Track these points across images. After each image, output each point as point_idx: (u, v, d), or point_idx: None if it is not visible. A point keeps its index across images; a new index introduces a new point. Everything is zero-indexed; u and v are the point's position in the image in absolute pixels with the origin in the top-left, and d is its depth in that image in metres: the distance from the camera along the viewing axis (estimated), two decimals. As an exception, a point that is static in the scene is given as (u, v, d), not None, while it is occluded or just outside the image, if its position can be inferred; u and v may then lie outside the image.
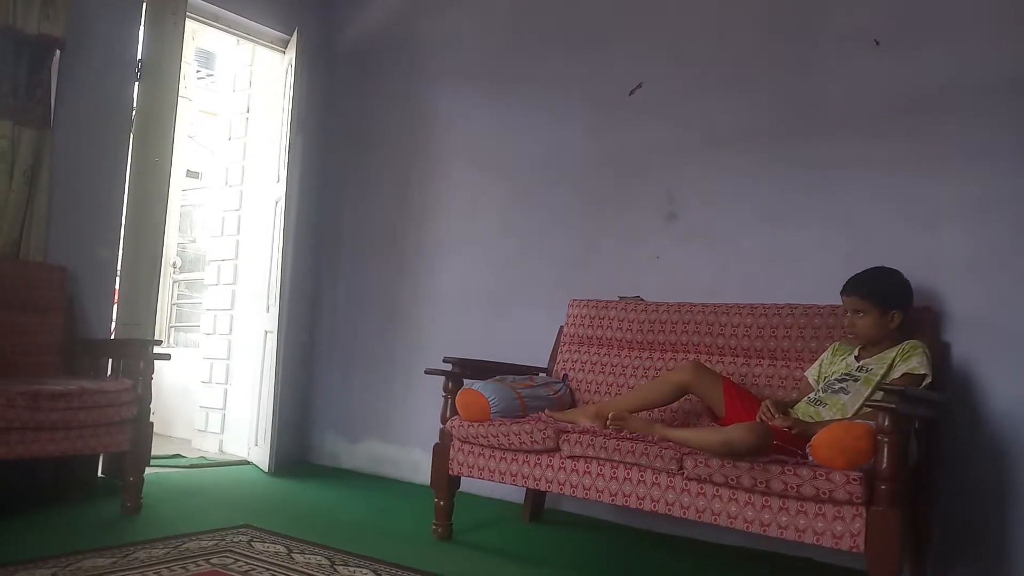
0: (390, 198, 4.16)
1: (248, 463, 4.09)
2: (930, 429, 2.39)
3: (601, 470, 2.39)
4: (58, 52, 3.26)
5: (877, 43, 2.83)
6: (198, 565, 2.28)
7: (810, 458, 2.10)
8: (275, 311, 3.90)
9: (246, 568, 2.28)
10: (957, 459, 2.53)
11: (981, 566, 2.49)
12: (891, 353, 2.37)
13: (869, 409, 2.19)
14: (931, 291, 2.63)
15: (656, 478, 2.28)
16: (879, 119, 2.81)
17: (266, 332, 4.02)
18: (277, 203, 4.03)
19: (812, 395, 2.46)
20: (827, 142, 2.91)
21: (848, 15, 2.91)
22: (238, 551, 2.46)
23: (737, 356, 2.86)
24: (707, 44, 3.23)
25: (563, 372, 3.19)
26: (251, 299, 4.35)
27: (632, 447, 2.33)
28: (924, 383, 2.29)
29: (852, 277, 2.47)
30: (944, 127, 2.68)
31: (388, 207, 4.16)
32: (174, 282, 6.17)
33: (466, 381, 2.84)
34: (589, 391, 3.09)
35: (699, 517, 2.19)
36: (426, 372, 2.90)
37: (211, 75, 8.18)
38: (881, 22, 2.83)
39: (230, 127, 4.70)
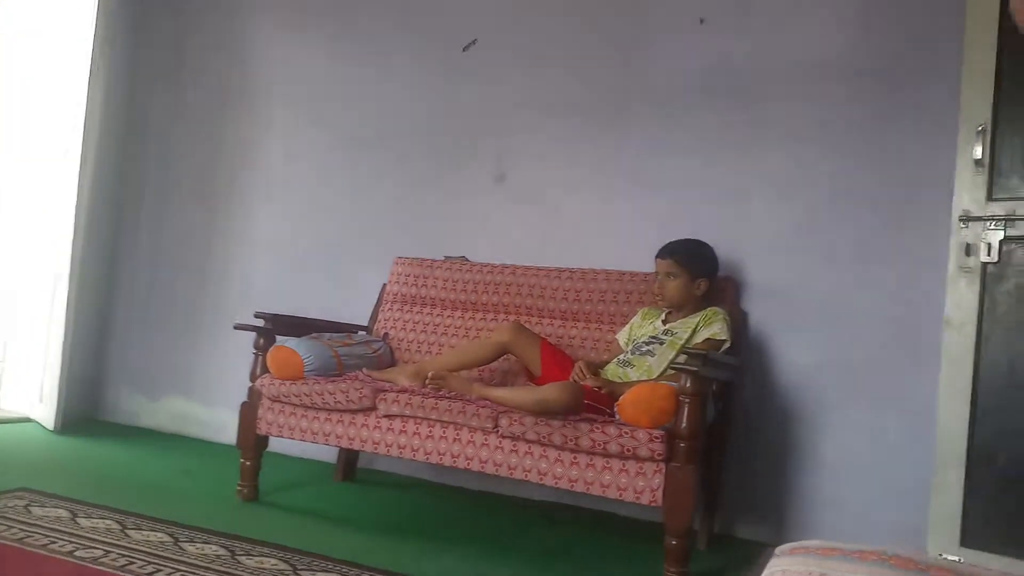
0: (202, 140, 3.90)
1: (30, 420, 3.73)
2: (726, 391, 2.56)
3: (418, 429, 2.38)
4: None
5: (702, 21, 2.95)
6: (-38, 533, 2.05)
7: (617, 417, 2.18)
8: (67, 253, 3.55)
9: (21, 535, 2.08)
10: (748, 420, 2.73)
11: (765, 520, 2.71)
12: (695, 319, 2.51)
13: (673, 371, 2.31)
14: (735, 263, 2.80)
15: (472, 436, 2.30)
16: (698, 96, 2.94)
17: (56, 276, 3.66)
18: (71, 134, 3.65)
19: (621, 357, 2.56)
20: (650, 116, 3.02)
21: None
22: (12, 517, 2.23)
23: (555, 318, 2.93)
24: (543, 12, 3.25)
25: (384, 331, 3.14)
26: (36, 240, 3.94)
27: (450, 406, 2.33)
28: (723, 348, 2.44)
29: (668, 243, 2.60)
30: (756, 109, 2.85)
31: (200, 150, 3.90)
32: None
33: (279, 338, 2.74)
34: (410, 351, 3.07)
35: (511, 474, 2.24)
36: (235, 327, 2.76)
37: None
38: (705, 2, 2.95)
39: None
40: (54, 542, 2.05)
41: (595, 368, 2.52)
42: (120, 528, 2.22)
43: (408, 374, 2.62)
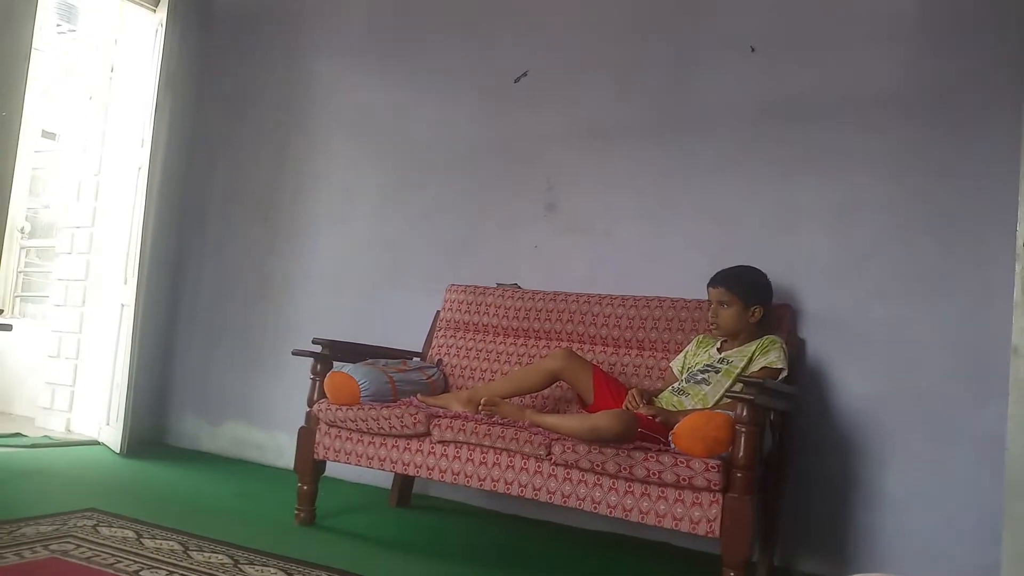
0: (265, 170, 4.00)
1: (99, 444, 3.85)
2: (784, 421, 2.51)
3: (471, 455, 2.39)
4: None
5: (753, 49, 2.94)
6: (35, 552, 2.12)
7: (672, 446, 2.16)
8: (133, 283, 3.68)
9: (89, 555, 2.14)
10: (807, 451, 2.67)
11: (826, 554, 2.64)
12: (751, 347, 2.48)
13: (728, 400, 2.28)
14: (790, 290, 2.76)
15: (525, 463, 2.30)
16: (751, 122, 2.93)
17: (122, 305, 3.79)
18: (140, 169, 3.79)
19: (676, 385, 2.54)
20: (702, 142, 3.01)
21: (727, 20, 3.01)
22: (81, 536, 2.30)
23: (607, 345, 2.92)
24: (592, 38, 3.27)
25: (437, 357, 3.17)
26: (108, 270, 4.08)
27: (502, 432, 2.34)
28: (780, 377, 2.40)
29: (720, 271, 2.58)
30: (810, 134, 2.82)
31: (262, 179, 4.00)
32: (22, 249, 5.71)
33: (336, 364, 2.78)
34: (463, 377, 3.08)
35: (565, 502, 2.22)
36: (293, 353, 2.81)
37: (73, 30, 7.63)
38: (758, 30, 2.95)
39: (91, 87, 4.38)
40: (120, 561, 2.10)
41: (649, 396, 2.50)
42: (183, 549, 2.26)
43: (461, 400, 2.64)
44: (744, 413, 2.05)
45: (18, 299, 5.71)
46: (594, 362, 2.77)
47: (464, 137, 3.50)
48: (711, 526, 2.03)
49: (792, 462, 2.63)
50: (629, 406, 2.42)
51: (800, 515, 2.66)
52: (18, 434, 3.90)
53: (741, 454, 2.04)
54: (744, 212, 2.91)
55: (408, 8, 3.71)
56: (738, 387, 2.19)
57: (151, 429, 4.03)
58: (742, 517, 2.01)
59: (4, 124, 3.36)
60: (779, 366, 2.40)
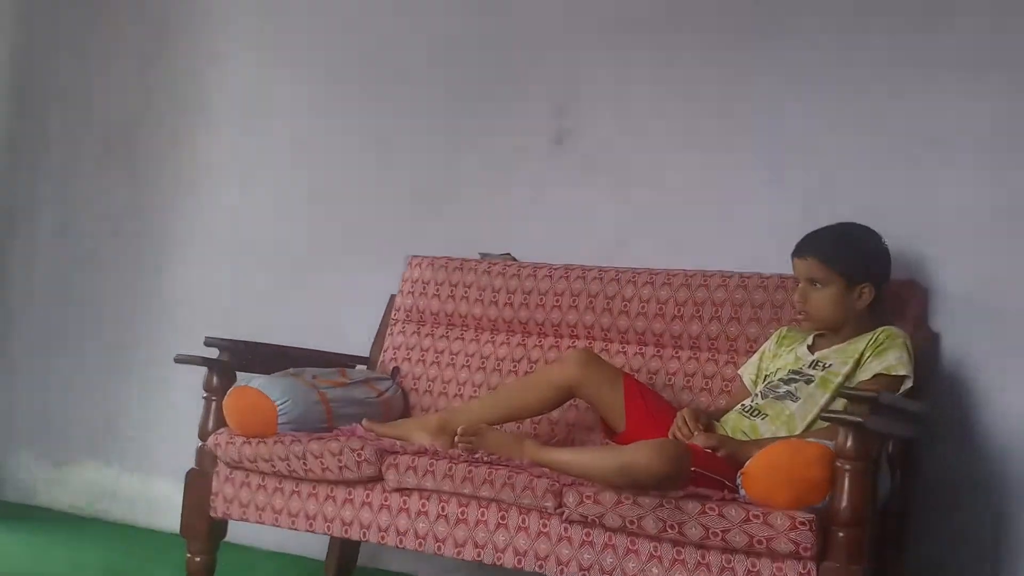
0: (129, 90, 4.00)
1: None
2: (908, 453, 2.50)
3: (443, 509, 2.38)
4: None
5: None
6: None
7: (742, 492, 2.15)
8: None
9: None
10: (943, 496, 2.66)
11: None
12: (858, 344, 2.46)
13: (826, 423, 2.28)
14: (919, 259, 2.75)
15: (524, 520, 2.29)
16: (858, 11, 2.92)
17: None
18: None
19: (747, 402, 2.53)
20: (787, 38, 3.00)
21: None
22: None
23: (645, 344, 2.92)
24: None
25: (392, 365, 3.17)
26: None
27: (490, 475, 2.32)
28: (903, 389, 2.38)
29: (809, 234, 2.54)
30: (946, 29, 2.80)
31: (126, 105, 4.00)
32: None
33: (241, 375, 2.78)
34: (431, 393, 3.08)
35: (584, 576, 2.23)
36: (177, 360, 2.81)
37: None
38: None
39: None
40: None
41: (707, 419, 2.50)
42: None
43: (429, 428, 2.63)
44: (850, 443, 2.03)
45: None
46: (625, 369, 2.75)
47: (434, 34, 3.50)
48: (800, 611, 2.03)
49: (920, 514, 2.63)
50: (678, 434, 2.41)
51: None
52: None
53: (845, 504, 2.02)
54: (849, 144, 2.90)
55: None
56: (840, 404, 2.18)
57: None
58: (846, 597, 2.02)
59: None
60: (901, 372, 2.39)
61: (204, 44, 3.88)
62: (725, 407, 2.61)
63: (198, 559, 2.72)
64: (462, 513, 2.37)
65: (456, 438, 2.53)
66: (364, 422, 2.76)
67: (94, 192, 4.01)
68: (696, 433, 2.40)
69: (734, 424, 2.49)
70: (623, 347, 2.94)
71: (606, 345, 2.95)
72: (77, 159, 4.05)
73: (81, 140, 4.05)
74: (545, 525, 2.27)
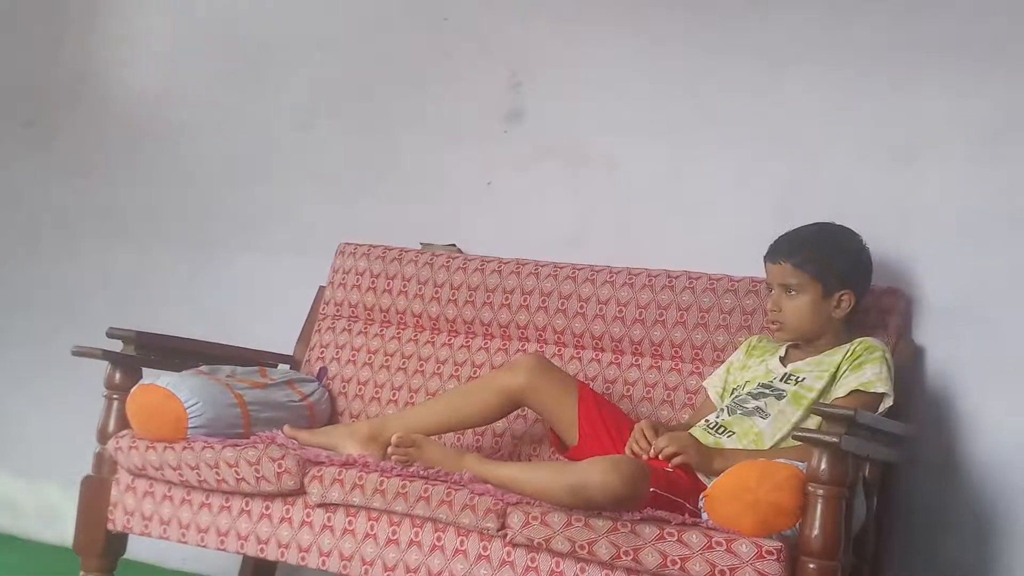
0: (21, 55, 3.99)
1: None
2: (887, 477, 2.48)
3: (372, 528, 2.35)
4: None
5: None
6: None
7: (704, 516, 2.13)
8: None
9: None
10: (924, 525, 2.64)
11: None
12: (835, 356, 2.45)
13: (797, 442, 2.23)
14: (903, 264, 2.73)
15: (462, 542, 2.25)
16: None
17: None
18: None
19: (712, 417, 2.51)
20: (764, 17, 2.99)
21: None
22: None
23: (602, 350, 2.90)
24: None
25: (320, 365, 3.15)
26: None
27: (426, 491, 2.29)
28: (882, 407, 2.37)
29: (784, 235, 2.53)
30: (939, 11, 2.78)
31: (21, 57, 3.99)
32: None
33: (148, 372, 2.74)
34: (362, 398, 3.07)
35: (527, 609, 2.20)
36: (74, 353, 2.76)
37: None
38: None
39: None
40: None
41: (667, 434, 2.45)
42: None
43: (359, 437, 2.61)
44: (823, 465, 2.00)
45: None
46: (579, 376, 2.74)
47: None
48: (766, 649, 2.00)
49: (898, 544, 2.60)
50: (635, 448, 2.38)
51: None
52: None
53: (817, 532, 1.99)
54: (830, 133, 2.90)
55: None
56: (814, 422, 2.16)
57: None
58: (817, 637, 1.99)
59: None
60: (880, 390, 2.37)
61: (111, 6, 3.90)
62: (688, 422, 2.60)
63: (93, 578, 2.69)
64: (393, 533, 2.33)
65: (389, 449, 2.50)
66: (285, 428, 2.73)
67: None
68: (659, 435, 2.36)
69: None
70: (578, 352, 2.93)
71: (559, 350, 2.94)
72: None
73: None
74: (486, 548, 2.24)
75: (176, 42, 3.78)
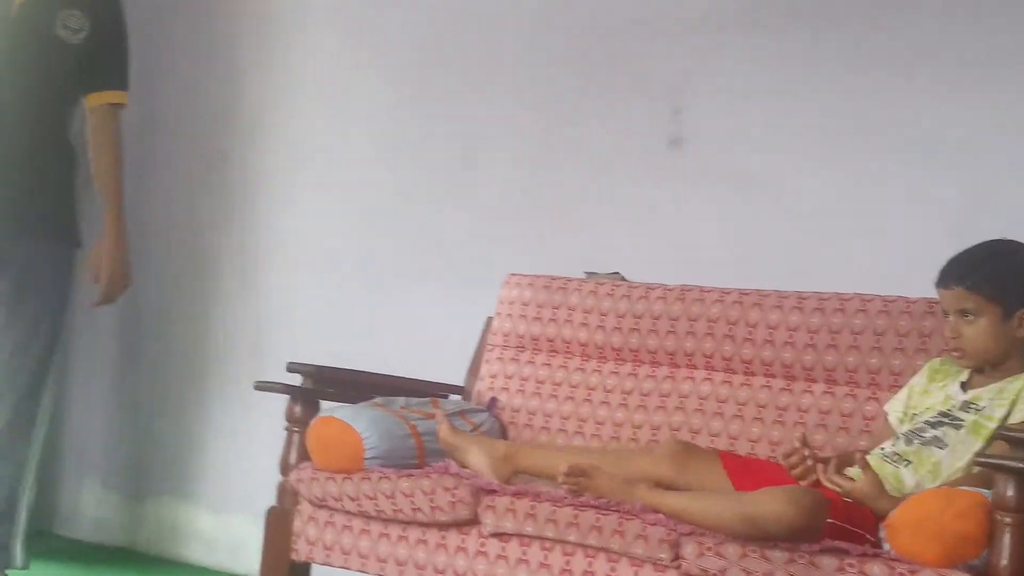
0: (204, 89, 4.11)
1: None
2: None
3: (547, 558, 2.37)
4: None
5: None
6: None
7: (886, 546, 2.10)
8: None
9: None
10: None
11: None
12: (1016, 383, 2.37)
13: (979, 470, 2.19)
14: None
15: (636, 573, 2.26)
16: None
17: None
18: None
19: (888, 446, 2.46)
20: (928, 29, 2.95)
21: None
22: None
23: (773, 376, 2.87)
24: None
25: (490, 395, 3.17)
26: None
27: (598, 521, 2.31)
28: (1072, 433, 2.30)
29: (953, 259, 2.44)
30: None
31: (208, 100, 4.12)
32: None
33: (326, 405, 2.83)
34: (532, 427, 3.08)
35: (705, 641, 2.19)
36: (257, 388, 2.87)
37: None
38: None
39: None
40: None
41: (845, 463, 2.42)
42: None
43: (494, 454, 2.65)
44: (1010, 492, 1.96)
45: None
46: (748, 405, 2.80)
47: (528, 26, 3.53)
48: None
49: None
50: (822, 479, 2.32)
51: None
52: None
53: (1006, 562, 1.95)
54: (1007, 150, 2.82)
55: None
56: (998, 448, 2.10)
57: (31, 512, 4.08)
58: (1008, 670, 1.95)
59: None
60: None
61: (286, 41, 3.99)
62: (866, 447, 2.53)
63: (279, 608, 2.76)
64: (567, 563, 2.35)
65: (560, 478, 2.47)
66: (437, 414, 2.81)
67: (169, 198, 4.12)
68: (831, 477, 2.31)
69: (876, 469, 2.42)
70: (747, 379, 2.89)
71: (727, 376, 2.91)
72: (154, 156, 4.16)
73: (159, 136, 4.16)
74: None
75: (351, 57, 3.85)
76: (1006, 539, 1.96)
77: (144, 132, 4.11)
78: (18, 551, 3.05)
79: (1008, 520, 1.96)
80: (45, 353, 2.91)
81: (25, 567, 3.07)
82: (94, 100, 3.00)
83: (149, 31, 4.11)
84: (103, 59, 2.99)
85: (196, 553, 3.90)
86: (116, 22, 3.03)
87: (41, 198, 2.92)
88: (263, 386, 2.85)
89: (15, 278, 2.86)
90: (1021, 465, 1.95)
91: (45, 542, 3.93)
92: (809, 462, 2.33)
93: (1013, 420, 2.30)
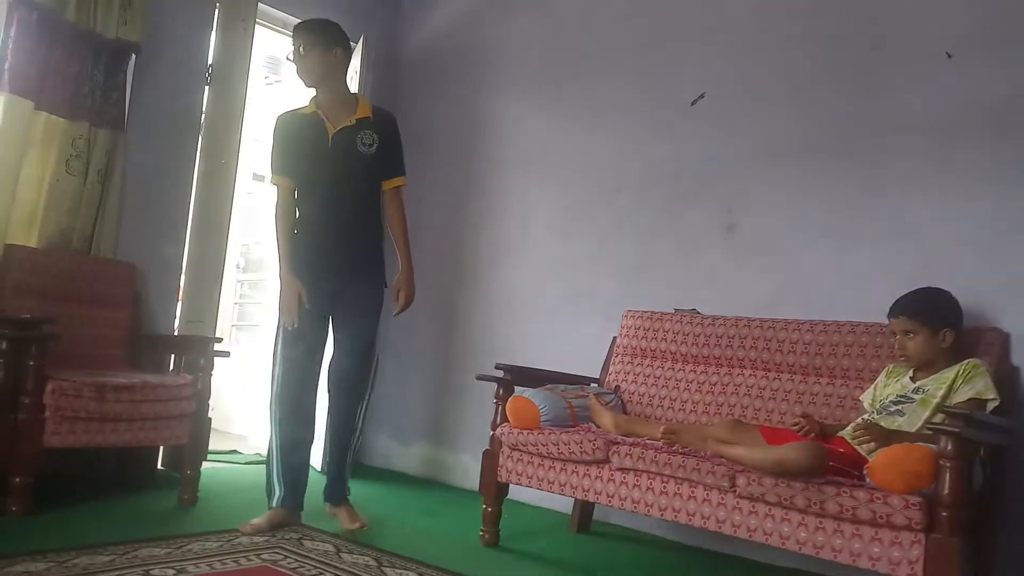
0: (447, 205, 4.19)
1: (302, 462, 4.15)
2: (996, 456, 2.31)
3: (652, 484, 2.37)
4: (134, 56, 3.38)
5: (949, 56, 2.75)
6: (249, 560, 2.33)
7: (868, 480, 2.05)
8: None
9: (295, 565, 2.32)
10: (1024, 489, 2.43)
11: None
12: (949, 373, 2.30)
13: (928, 432, 2.12)
14: (1001, 312, 2.54)
15: (707, 495, 2.25)
16: (947, 133, 2.74)
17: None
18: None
19: (864, 417, 2.40)
20: (896, 156, 2.85)
21: (916, 26, 2.85)
22: (288, 548, 2.50)
23: (795, 373, 2.81)
24: (772, 54, 3.20)
25: (615, 384, 3.17)
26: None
27: (684, 462, 2.31)
28: (990, 408, 2.21)
29: (897, 299, 2.43)
30: (1018, 141, 2.60)
31: (445, 214, 4.19)
32: (237, 282, 6.32)
33: (517, 388, 2.85)
34: (641, 404, 3.07)
35: (751, 536, 2.16)
36: (477, 378, 2.92)
37: (279, 80, 8.37)
38: (951, 34, 2.76)
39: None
40: (322, 573, 2.27)
41: (831, 430, 2.43)
42: (377, 565, 2.40)
43: (615, 422, 2.73)
44: (949, 447, 1.91)
45: (234, 328, 6.31)
46: (778, 391, 2.76)
47: (640, 162, 3.52)
48: (912, 568, 1.90)
49: (1007, 504, 2.40)
50: (798, 430, 2.37)
51: (1016, 561, 2.41)
52: (234, 451, 4.29)
53: (947, 491, 1.89)
54: (943, 229, 2.72)
55: (582, 43, 3.80)
56: (940, 418, 2.04)
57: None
58: (948, 560, 1.87)
59: (223, 170, 3.76)
60: (989, 396, 2.21)
61: (498, 173, 4.06)
62: (840, 423, 2.51)
63: (490, 509, 2.81)
64: (664, 487, 2.36)
65: (659, 432, 2.53)
66: (590, 393, 2.90)
67: (428, 275, 4.08)
68: (805, 427, 2.38)
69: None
70: (779, 375, 2.83)
71: (766, 373, 2.87)
72: (418, 253, 4.23)
73: (421, 240, 4.21)
74: (723, 499, 2.24)
75: (532, 183, 3.91)
76: (947, 477, 1.92)
77: (417, 235, 4.24)
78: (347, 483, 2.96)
79: (948, 464, 1.92)
80: (369, 346, 2.89)
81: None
82: (386, 185, 2.94)
83: (420, 135, 4.31)
84: (390, 159, 2.92)
85: (440, 475, 4.01)
86: (395, 134, 2.94)
87: (366, 255, 2.90)
88: (482, 377, 2.91)
89: (351, 307, 2.86)
90: (955, 430, 1.92)
91: (356, 468, 4.08)
92: (807, 427, 2.36)
93: (955, 400, 2.24)
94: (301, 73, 2.84)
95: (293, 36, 2.84)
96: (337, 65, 2.84)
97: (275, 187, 2.88)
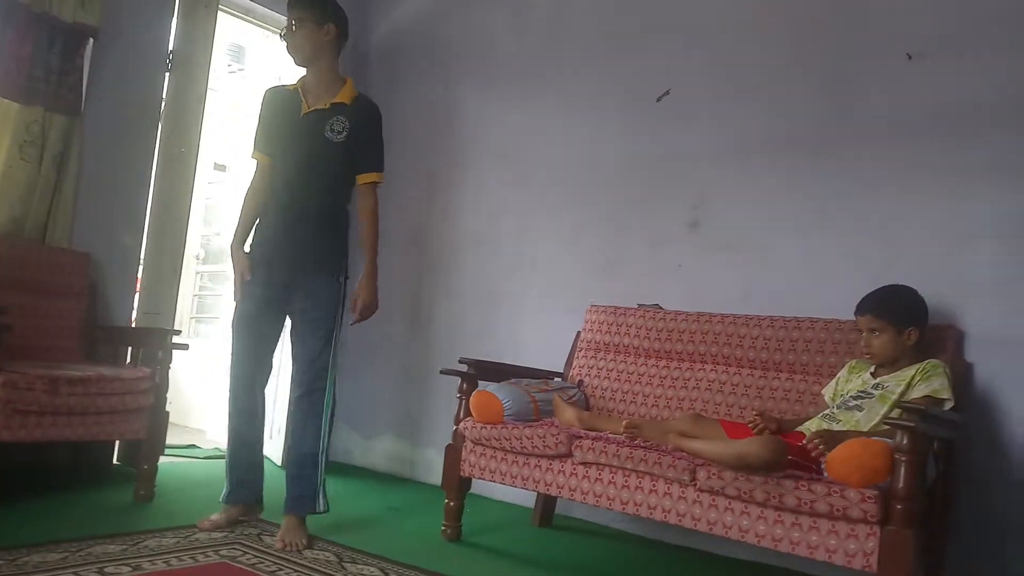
0: (414, 199, 4.16)
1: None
2: (949, 451, 2.36)
3: (613, 477, 2.38)
4: (91, 41, 3.30)
5: (909, 57, 2.80)
6: (207, 556, 2.30)
7: (825, 474, 2.07)
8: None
9: (254, 561, 2.29)
10: (976, 483, 2.49)
11: (996, 592, 2.44)
12: (909, 372, 2.33)
13: (886, 427, 2.15)
14: (957, 309, 2.59)
15: (668, 488, 2.26)
16: (913, 133, 2.78)
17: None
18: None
19: (826, 412, 2.44)
20: (863, 155, 2.89)
21: (884, 27, 2.89)
22: (247, 544, 2.47)
23: (755, 368, 2.84)
24: (743, 51, 3.22)
25: (579, 378, 3.18)
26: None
27: (645, 455, 2.31)
28: (945, 408, 2.24)
29: (865, 296, 2.45)
30: (978, 145, 2.65)
31: (411, 208, 4.16)
32: (197, 273, 6.22)
33: (481, 383, 2.85)
34: (604, 398, 3.08)
35: (710, 529, 2.17)
36: (441, 372, 2.91)
37: (242, 69, 8.26)
38: (918, 35, 2.80)
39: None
40: (282, 569, 2.24)
41: (789, 425, 2.46)
42: (338, 561, 2.38)
43: (580, 416, 2.72)
44: (904, 441, 1.94)
45: (193, 320, 6.21)
46: (738, 386, 2.78)
47: (608, 158, 3.52)
48: (868, 560, 1.93)
49: (959, 496, 2.46)
50: (754, 428, 2.37)
51: (969, 553, 2.47)
52: (192, 446, 4.23)
53: (901, 484, 1.93)
54: (908, 227, 2.76)
55: (552, 37, 3.79)
56: (897, 413, 2.08)
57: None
58: (902, 551, 1.90)
59: (183, 159, 3.69)
60: (944, 396, 2.24)
61: (464, 164, 4.03)
62: (801, 418, 2.53)
63: (452, 504, 2.81)
64: (625, 480, 2.37)
65: (621, 428, 2.52)
66: (555, 397, 2.87)
67: (393, 268, 4.07)
68: (761, 423, 2.39)
69: (816, 428, 2.39)
70: (739, 370, 2.86)
71: (727, 368, 2.90)
72: (383, 245, 4.25)
73: (386, 233, 4.25)
74: (683, 492, 2.24)
75: (500, 177, 3.90)
76: (902, 470, 1.95)
77: (382, 227, 4.23)
78: (321, 499, 2.66)
79: (903, 459, 1.95)
80: (325, 344, 2.68)
81: (327, 511, 2.68)
82: (359, 180, 2.72)
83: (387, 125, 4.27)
84: (362, 152, 2.69)
85: (403, 470, 3.99)
86: (372, 127, 2.71)
87: (323, 246, 2.68)
88: (446, 371, 2.90)
89: (306, 297, 2.68)
90: (911, 425, 1.94)
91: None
92: (762, 424, 2.37)
93: (909, 396, 2.27)
94: (290, 51, 2.69)
95: (287, 11, 2.69)
96: (328, 44, 2.68)
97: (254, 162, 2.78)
